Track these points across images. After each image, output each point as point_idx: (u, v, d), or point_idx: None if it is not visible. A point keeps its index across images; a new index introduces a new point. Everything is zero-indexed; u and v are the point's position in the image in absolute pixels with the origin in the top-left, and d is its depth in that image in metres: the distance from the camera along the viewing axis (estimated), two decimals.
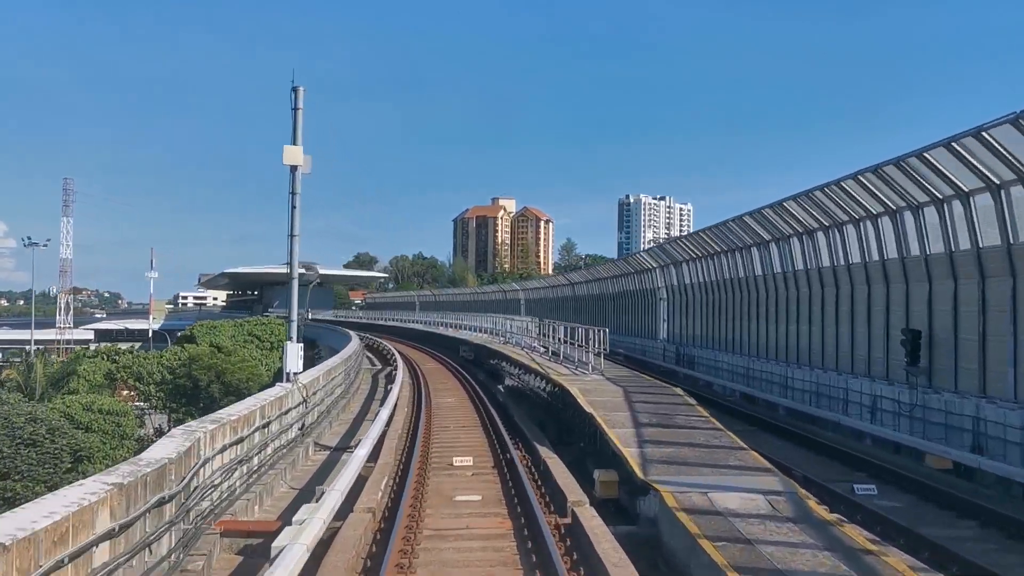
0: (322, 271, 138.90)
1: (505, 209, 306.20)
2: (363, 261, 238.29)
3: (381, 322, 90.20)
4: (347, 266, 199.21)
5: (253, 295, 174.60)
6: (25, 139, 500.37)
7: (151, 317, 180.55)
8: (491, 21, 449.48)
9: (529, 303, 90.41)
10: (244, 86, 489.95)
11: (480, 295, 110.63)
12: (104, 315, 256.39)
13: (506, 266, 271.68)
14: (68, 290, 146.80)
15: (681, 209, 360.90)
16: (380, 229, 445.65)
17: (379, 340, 65.92)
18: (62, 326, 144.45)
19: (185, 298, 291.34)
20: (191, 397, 63.31)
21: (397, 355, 47.27)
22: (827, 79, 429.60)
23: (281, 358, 21.10)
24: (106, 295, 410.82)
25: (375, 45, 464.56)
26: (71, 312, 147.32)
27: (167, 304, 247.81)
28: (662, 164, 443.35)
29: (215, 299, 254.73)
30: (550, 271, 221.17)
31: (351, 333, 58.08)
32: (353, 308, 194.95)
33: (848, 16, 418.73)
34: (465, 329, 57.33)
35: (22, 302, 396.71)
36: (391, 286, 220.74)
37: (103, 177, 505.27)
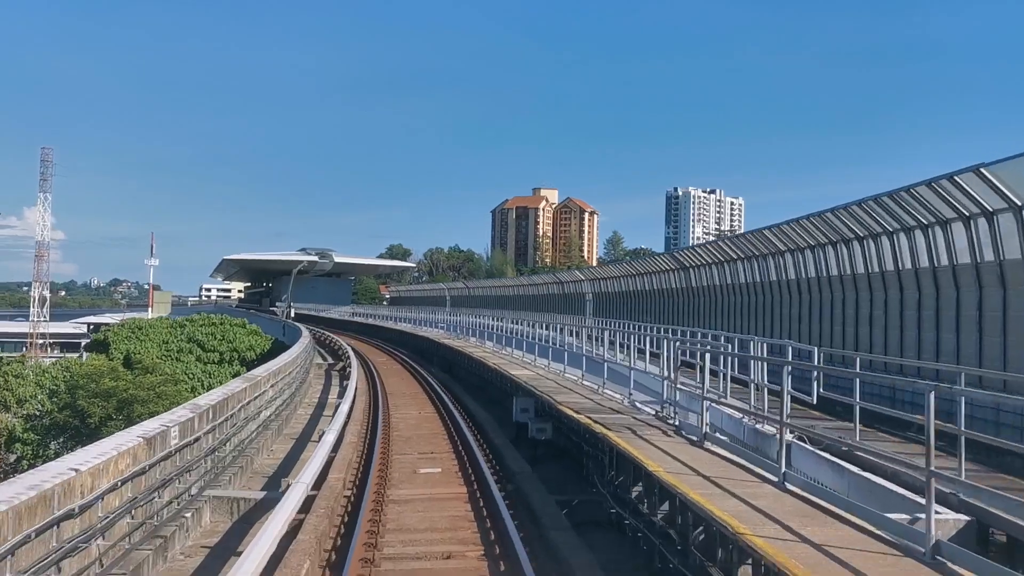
0: (338, 259, 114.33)
1: (547, 200, 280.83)
2: (396, 254, 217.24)
3: (389, 324, 64.52)
4: (379, 258, 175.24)
5: (267, 287, 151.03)
6: (58, 134, 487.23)
7: (150, 310, 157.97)
8: (531, 16, 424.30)
9: (599, 300, 64.55)
10: (282, 81, 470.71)
11: (526, 288, 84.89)
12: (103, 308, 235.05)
13: (547, 260, 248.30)
14: (44, 280, 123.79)
15: (732, 203, 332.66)
16: (416, 223, 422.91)
17: (372, 358, 40.68)
18: (35, 319, 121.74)
19: (209, 290, 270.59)
20: (74, 436, 39.13)
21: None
22: (887, 80, 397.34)
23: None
24: (144, 287, 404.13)
25: (411, 40, 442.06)
26: (47, 304, 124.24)
27: (176, 295, 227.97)
28: (711, 158, 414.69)
29: (240, 292, 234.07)
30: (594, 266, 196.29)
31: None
32: (384, 303, 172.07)
33: (910, 15, 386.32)
34: (515, 348, 31.20)
35: (63, 293, 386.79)
36: (424, 279, 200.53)
37: (138, 172, 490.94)
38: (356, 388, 23.15)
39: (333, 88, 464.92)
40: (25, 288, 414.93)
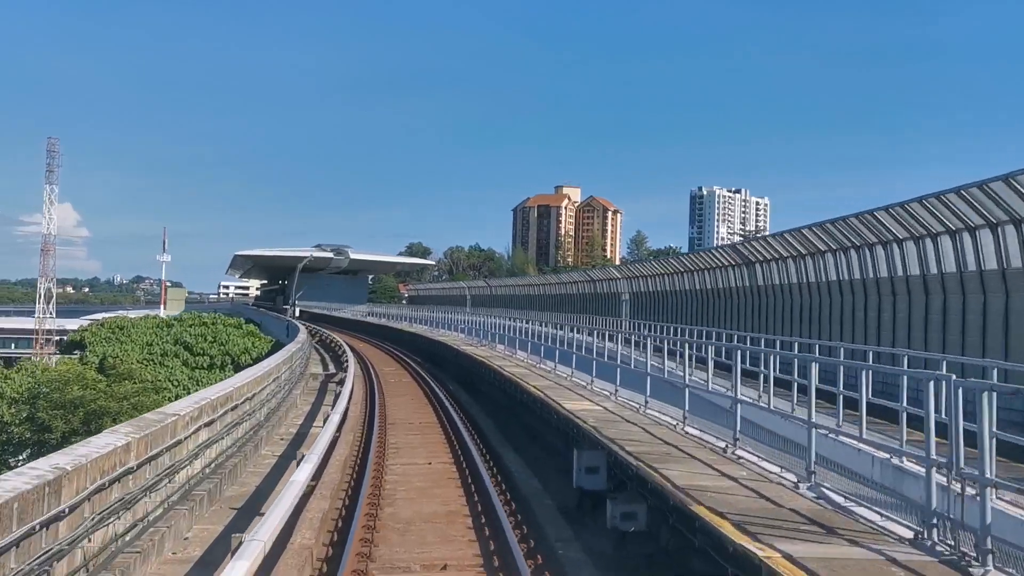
0: (354, 256, 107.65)
1: (570, 198, 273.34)
2: (415, 252, 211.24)
3: (403, 325, 57.49)
4: (398, 256, 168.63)
5: (282, 284, 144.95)
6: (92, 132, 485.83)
7: (162, 307, 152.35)
8: (552, 15, 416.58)
9: (635, 300, 57.33)
10: (302, 81, 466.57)
11: (553, 287, 77.69)
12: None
13: (569, 260, 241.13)
14: (51, 275, 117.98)
15: (758, 203, 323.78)
16: (436, 222, 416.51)
17: (376, 367, 33.79)
18: (41, 315, 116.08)
19: (227, 288, 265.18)
20: (35, 455, 32.71)
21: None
22: (918, 80, 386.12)
23: None
24: (168, 284, 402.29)
25: (431, 39, 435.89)
26: (53, 301, 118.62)
27: (195, 293, 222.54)
28: (736, 158, 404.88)
29: (256, 289, 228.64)
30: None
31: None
32: (403, 303, 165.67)
33: (942, 14, 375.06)
34: (559, 363, 23.69)
35: (87, 290, 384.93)
36: (444, 279, 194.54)
37: (160, 170, 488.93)
38: (343, 423, 16.20)
39: (352, 87, 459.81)
40: (48, 285, 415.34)
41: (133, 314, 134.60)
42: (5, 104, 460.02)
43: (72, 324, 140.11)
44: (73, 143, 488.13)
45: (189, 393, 38.22)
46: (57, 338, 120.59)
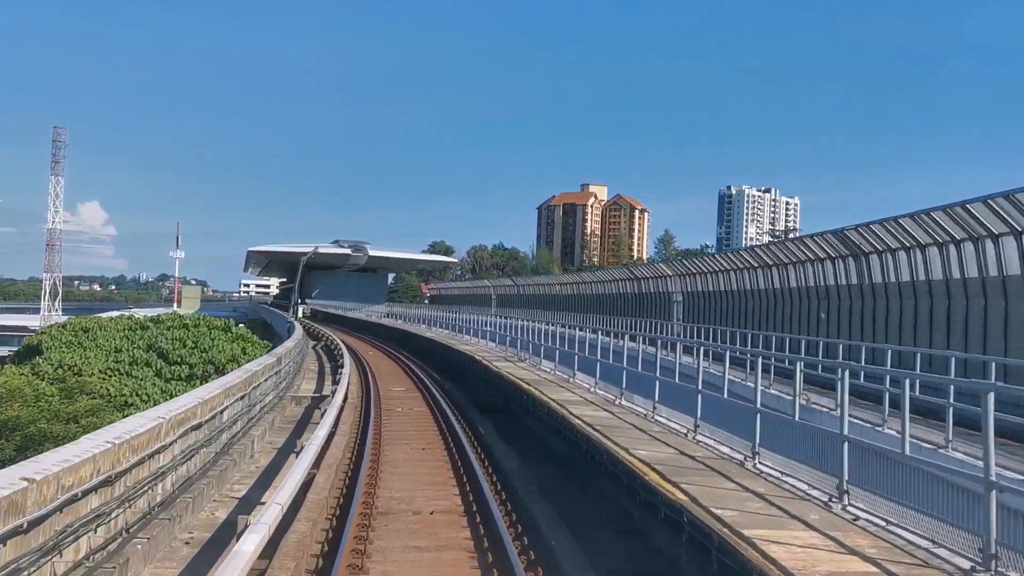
0: (373, 252, 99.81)
1: (596, 196, 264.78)
2: (438, 251, 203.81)
3: (421, 329, 49.11)
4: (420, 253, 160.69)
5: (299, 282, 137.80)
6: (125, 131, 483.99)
7: (175, 305, 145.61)
8: (576, 14, 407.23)
9: (689, 300, 48.91)
10: (334, 81, 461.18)
11: (589, 285, 69.23)
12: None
13: (595, 259, 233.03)
14: (57, 271, 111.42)
15: (788, 203, 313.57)
16: (458, 221, 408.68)
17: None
18: (47, 312, 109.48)
19: (247, 286, 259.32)
20: None
21: None
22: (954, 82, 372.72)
23: None
24: (192, 282, 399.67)
25: (456, 39, 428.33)
26: (59, 297, 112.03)
27: (218, 291, 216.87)
28: (765, 158, 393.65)
29: (276, 287, 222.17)
30: None
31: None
32: (425, 302, 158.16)
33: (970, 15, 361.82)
34: (660, 402, 15.34)
35: (113, 288, 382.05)
36: (467, 278, 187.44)
37: (187, 169, 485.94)
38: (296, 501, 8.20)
39: (376, 86, 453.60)
40: (76, 282, 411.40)
41: (142, 312, 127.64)
42: (30, 105, 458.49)
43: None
44: (102, 143, 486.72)
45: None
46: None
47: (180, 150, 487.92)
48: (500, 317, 39.82)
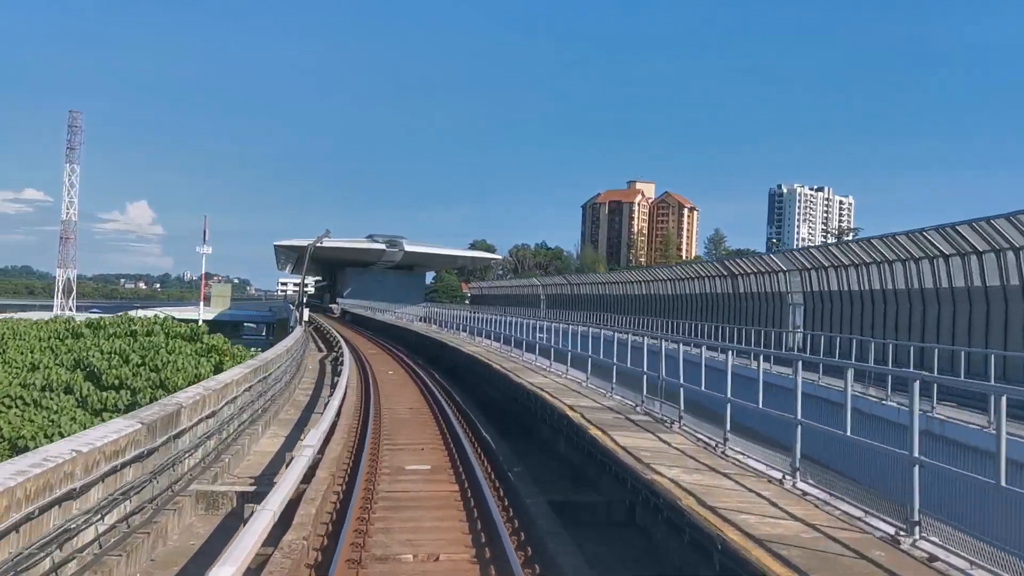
0: (409, 248, 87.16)
1: (643, 194, 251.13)
2: (479, 249, 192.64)
3: (462, 338, 36.13)
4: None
5: (332, 279, 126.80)
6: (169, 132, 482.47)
7: (200, 305, 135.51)
8: (627, 9, 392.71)
9: (812, 299, 36.22)
10: (374, 82, 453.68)
11: (663, 283, 56.43)
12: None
13: (642, 259, 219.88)
14: (71, 266, 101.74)
15: (841, 202, 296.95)
16: (500, 219, 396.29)
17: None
18: (60, 310, 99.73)
19: (284, 285, 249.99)
20: None
21: None
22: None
23: None
24: (236, 281, 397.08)
25: (500, 39, 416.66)
26: (72, 295, 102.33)
27: (259, 290, 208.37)
28: (818, 156, 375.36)
29: (311, 285, 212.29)
30: None
31: None
32: (466, 303, 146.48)
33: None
34: None
35: (158, 286, 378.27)
36: (508, 278, 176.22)
37: (233, 169, 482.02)
38: None
39: (420, 86, 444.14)
40: (122, 280, 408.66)
41: (178, 313, 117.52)
42: (75, 103, 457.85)
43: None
44: (152, 143, 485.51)
45: None
46: None
47: (230, 150, 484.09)
48: (572, 326, 27.40)
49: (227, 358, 29.47)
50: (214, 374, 25.23)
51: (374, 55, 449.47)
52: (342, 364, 25.30)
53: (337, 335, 41.99)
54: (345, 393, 19.73)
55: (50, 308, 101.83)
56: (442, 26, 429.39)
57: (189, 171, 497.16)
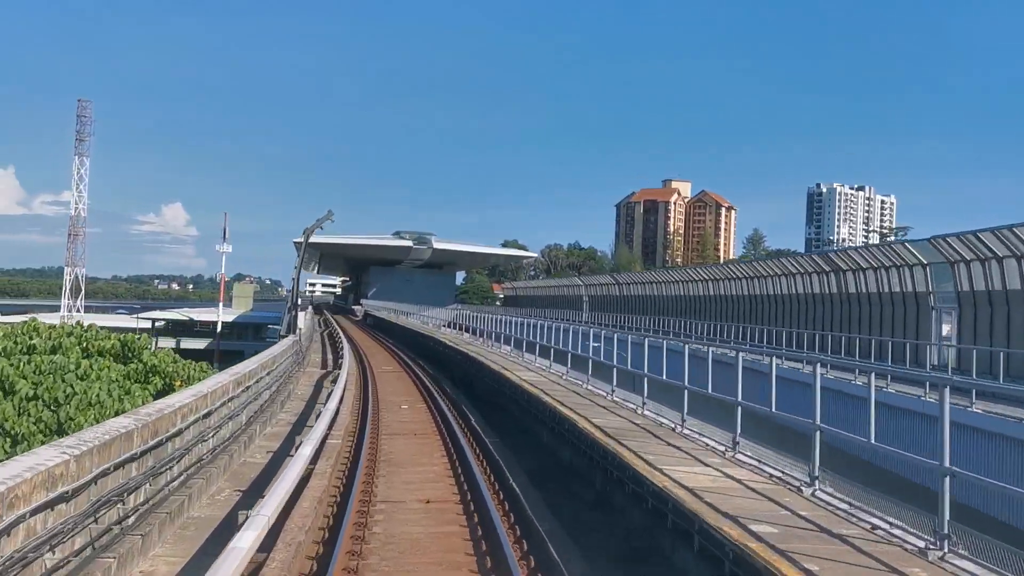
0: (438, 245, 77.46)
1: (679, 193, 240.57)
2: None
3: (509, 360, 26.15)
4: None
5: (357, 279, 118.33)
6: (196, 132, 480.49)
7: (220, 307, 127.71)
8: (671, 8, 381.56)
9: (968, 301, 26.42)
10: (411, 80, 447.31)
11: (743, 282, 46.56)
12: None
13: (678, 259, 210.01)
14: (80, 264, 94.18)
15: (883, 201, 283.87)
16: (531, 220, 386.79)
17: None
18: (67, 311, 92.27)
19: (313, 285, 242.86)
20: None
21: None
22: None
23: None
24: (268, 282, 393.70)
25: (536, 38, 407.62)
26: (81, 295, 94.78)
27: (288, 291, 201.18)
28: (858, 155, 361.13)
29: (338, 286, 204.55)
30: None
31: None
32: (497, 304, 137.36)
33: None
34: None
35: (191, 287, 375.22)
36: (541, 278, 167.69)
37: (267, 170, 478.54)
38: None
39: (453, 87, 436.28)
40: (156, 281, 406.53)
41: (197, 314, 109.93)
42: (118, 111, 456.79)
43: (114, 321, 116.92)
44: (183, 146, 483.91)
45: None
46: None
47: (263, 151, 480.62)
48: (666, 337, 17.72)
49: (178, 382, 20.43)
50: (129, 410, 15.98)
51: (416, 57, 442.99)
52: (331, 402, 16.16)
53: (346, 345, 32.94)
54: (317, 457, 10.69)
55: (65, 309, 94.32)
56: (480, 28, 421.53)
57: (223, 172, 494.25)
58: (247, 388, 15.18)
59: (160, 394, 18.86)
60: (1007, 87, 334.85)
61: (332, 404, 15.47)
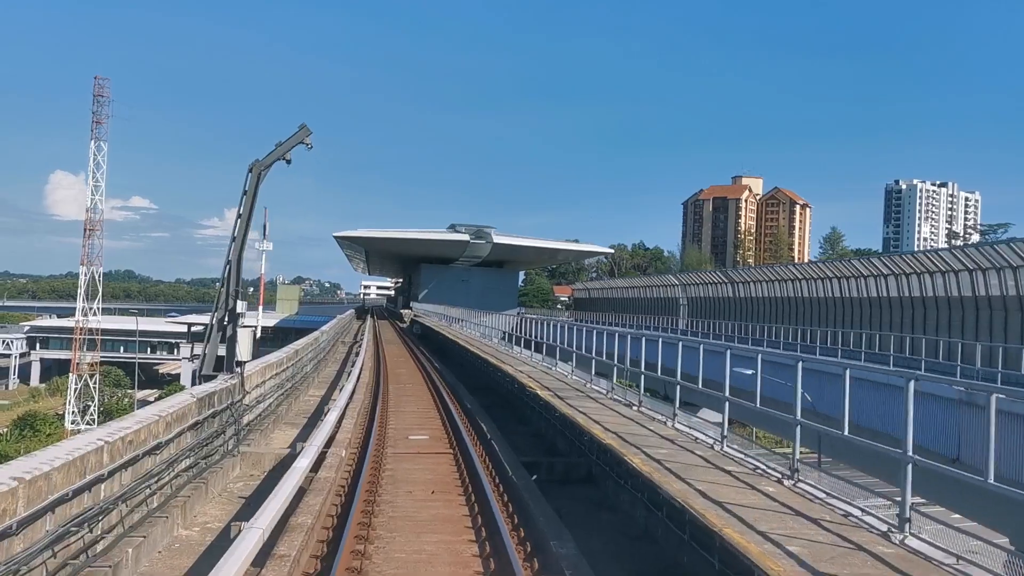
0: (499, 239, 64.39)
1: (750, 190, 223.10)
2: None
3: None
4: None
5: (409, 279, 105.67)
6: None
7: (260, 309, 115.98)
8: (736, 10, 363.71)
9: None
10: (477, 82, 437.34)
11: (916, 275, 31.67)
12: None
13: (750, 259, 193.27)
14: (93, 263, 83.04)
15: (967, 198, 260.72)
16: (594, 219, 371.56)
17: None
18: (82, 314, 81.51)
19: (368, 287, 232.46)
20: None
21: None
22: None
23: None
24: (327, 284, 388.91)
25: (610, 41, 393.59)
26: (99, 297, 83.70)
27: (349, 294, 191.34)
28: (939, 150, 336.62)
29: (389, 288, 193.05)
30: None
31: None
32: (559, 308, 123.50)
33: None
34: None
35: (251, 289, 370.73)
36: (605, 280, 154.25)
37: (329, 173, 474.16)
38: None
39: (523, 90, 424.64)
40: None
41: (243, 318, 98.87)
42: (186, 115, 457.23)
43: (117, 324, 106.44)
44: (245, 150, 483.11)
45: None
46: (103, 339, 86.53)
47: (320, 156, 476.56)
48: None
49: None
50: None
51: (481, 61, 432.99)
52: None
53: (365, 377, 19.17)
54: None
55: (91, 312, 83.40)
56: (541, 30, 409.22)
57: (285, 175, 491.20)
58: None
59: None
60: None
61: None
